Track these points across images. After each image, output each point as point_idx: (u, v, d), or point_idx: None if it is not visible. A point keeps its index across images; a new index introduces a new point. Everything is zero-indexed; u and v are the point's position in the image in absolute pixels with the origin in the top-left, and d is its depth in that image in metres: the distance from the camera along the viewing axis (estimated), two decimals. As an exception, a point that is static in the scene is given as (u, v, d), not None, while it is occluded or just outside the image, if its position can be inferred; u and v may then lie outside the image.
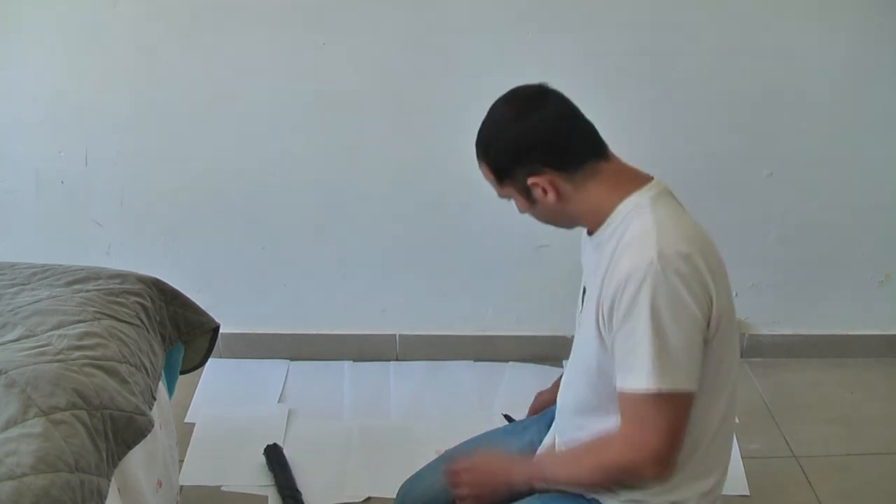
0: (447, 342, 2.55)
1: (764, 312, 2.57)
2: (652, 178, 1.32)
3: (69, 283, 1.64)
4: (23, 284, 1.64)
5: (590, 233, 1.33)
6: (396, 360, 2.58)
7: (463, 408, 2.37)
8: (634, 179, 1.31)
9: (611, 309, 1.21)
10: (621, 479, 1.28)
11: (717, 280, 1.21)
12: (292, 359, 2.56)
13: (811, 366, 2.57)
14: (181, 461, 2.07)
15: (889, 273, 2.52)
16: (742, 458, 2.16)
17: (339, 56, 2.19)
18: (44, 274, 1.69)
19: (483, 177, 1.36)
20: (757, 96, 2.27)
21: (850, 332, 2.60)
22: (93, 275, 1.69)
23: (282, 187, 2.36)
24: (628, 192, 1.27)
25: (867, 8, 2.17)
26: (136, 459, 1.40)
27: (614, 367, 1.22)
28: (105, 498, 1.23)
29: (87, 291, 1.61)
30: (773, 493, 2.06)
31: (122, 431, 1.34)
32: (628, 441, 1.22)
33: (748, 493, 2.05)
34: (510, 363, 2.56)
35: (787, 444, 2.24)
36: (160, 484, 1.55)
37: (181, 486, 1.93)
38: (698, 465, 1.30)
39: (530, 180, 1.27)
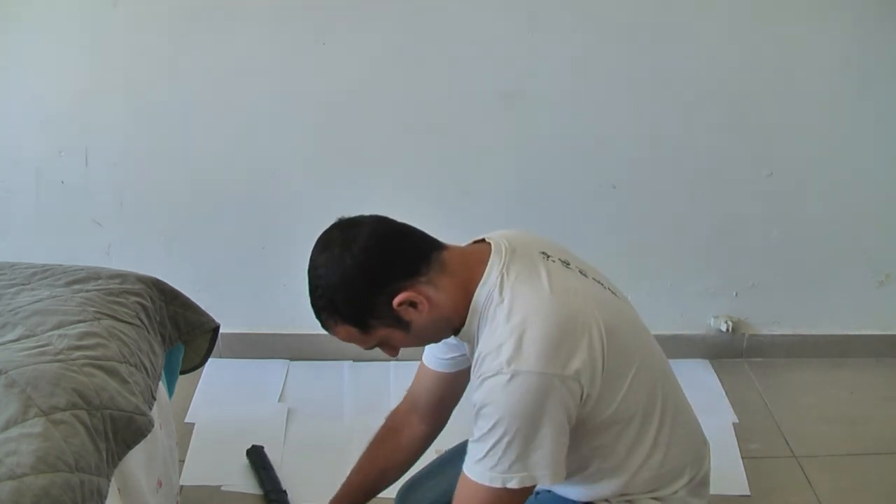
0: (447, 342, 2.54)
1: (764, 312, 2.57)
2: (489, 250, 1.27)
3: (69, 283, 1.64)
4: (23, 284, 1.64)
5: (455, 332, 1.28)
6: (396, 359, 2.58)
7: (462, 408, 2.36)
8: (474, 259, 1.26)
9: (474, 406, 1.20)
10: None
11: (578, 352, 1.16)
12: (292, 359, 2.56)
13: (811, 366, 2.57)
14: (181, 461, 2.07)
15: (889, 273, 2.52)
16: (742, 458, 2.16)
17: (339, 56, 2.19)
18: (44, 274, 1.69)
19: (346, 340, 1.28)
20: (757, 96, 2.27)
21: (850, 332, 2.60)
22: (93, 275, 1.69)
23: (282, 187, 2.36)
24: (475, 278, 1.23)
25: (867, 8, 2.17)
26: (136, 459, 1.40)
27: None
28: (105, 498, 1.23)
29: (87, 291, 1.61)
30: (773, 493, 2.06)
31: (122, 431, 1.34)
32: None
33: (748, 493, 2.05)
34: (510, 363, 2.56)
35: (787, 444, 2.24)
36: (160, 484, 1.55)
37: (181, 486, 1.93)
38: (657, 476, 1.31)
39: (397, 301, 1.19)
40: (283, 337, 2.56)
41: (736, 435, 2.25)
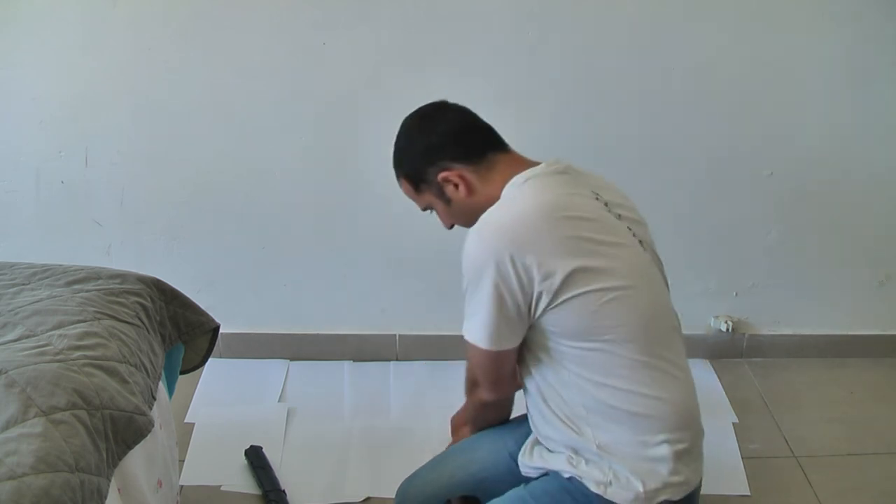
0: (447, 342, 2.54)
1: (764, 312, 2.57)
2: (541, 165, 1.40)
3: (69, 283, 1.64)
4: (23, 284, 1.64)
5: None
6: (396, 360, 2.58)
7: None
8: (526, 167, 1.39)
9: None
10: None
11: (542, 250, 1.26)
12: (292, 359, 2.56)
13: (811, 366, 2.57)
14: (181, 461, 2.07)
15: (889, 273, 2.52)
16: (742, 458, 2.16)
17: (339, 56, 2.19)
18: (44, 274, 1.69)
19: (406, 195, 1.49)
20: (757, 96, 2.27)
21: (850, 332, 2.60)
22: (93, 275, 1.69)
23: (282, 187, 2.36)
24: (514, 177, 1.37)
25: (867, 8, 2.17)
26: (136, 459, 1.40)
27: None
28: (105, 498, 1.23)
29: (87, 291, 1.61)
30: (773, 493, 2.06)
31: (122, 431, 1.34)
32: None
33: (748, 493, 2.05)
34: (510, 363, 2.56)
35: (787, 444, 2.24)
36: (160, 484, 1.55)
37: (181, 486, 1.93)
38: (633, 415, 1.33)
39: (441, 175, 1.39)
40: (283, 337, 2.56)
41: (736, 435, 2.25)
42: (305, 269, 2.48)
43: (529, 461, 1.46)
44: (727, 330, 2.53)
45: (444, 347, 2.54)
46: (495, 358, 1.36)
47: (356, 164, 2.33)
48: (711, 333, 2.58)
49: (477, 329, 1.33)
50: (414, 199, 1.49)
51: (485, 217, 1.32)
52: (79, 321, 1.48)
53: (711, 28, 2.18)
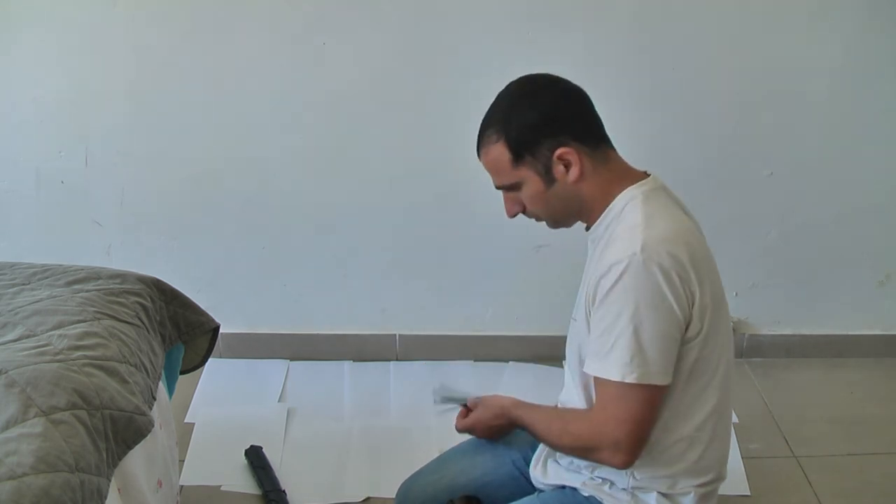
0: (447, 342, 2.55)
1: (764, 312, 2.57)
2: (648, 175, 1.33)
3: (69, 283, 1.64)
4: (23, 284, 1.64)
5: (588, 227, 1.34)
6: (396, 360, 2.58)
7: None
8: (633, 174, 1.33)
9: (594, 294, 1.22)
10: (581, 454, 1.30)
11: (701, 276, 1.22)
12: (292, 359, 2.56)
13: (811, 366, 2.57)
14: (181, 461, 2.07)
15: (889, 273, 2.52)
16: (742, 458, 2.16)
17: (339, 56, 2.19)
18: (44, 274, 1.69)
19: (485, 165, 1.32)
20: (757, 96, 2.27)
21: (850, 332, 2.60)
22: (93, 275, 1.69)
23: (282, 187, 2.36)
24: (626, 186, 1.29)
25: (866, 8, 2.17)
26: (136, 459, 1.40)
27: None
28: (105, 498, 1.23)
29: (87, 291, 1.61)
30: (773, 493, 2.06)
31: (122, 431, 1.34)
32: (593, 422, 1.25)
33: (748, 493, 2.05)
34: (510, 363, 2.56)
35: (787, 444, 2.24)
36: (160, 484, 1.55)
37: (181, 486, 1.93)
38: (689, 459, 1.30)
39: (559, 151, 1.25)
40: (283, 337, 2.56)
41: (736, 435, 2.24)
42: (305, 269, 2.48)
43: (543, 477, 1.45)
44: (727, 330, 2.53)
45: (444, 347, 2.54)
46: (651, 398, 1.19)
47: (356, 164, 2.33)
48: (711, 333, 2.58)
49: (632, 362, 1.16)
50: (498, 172, 1.31)
51: (637, 234, 1.19)
52: (79, 321, 1.48)
53: (712, 28, 2.18)
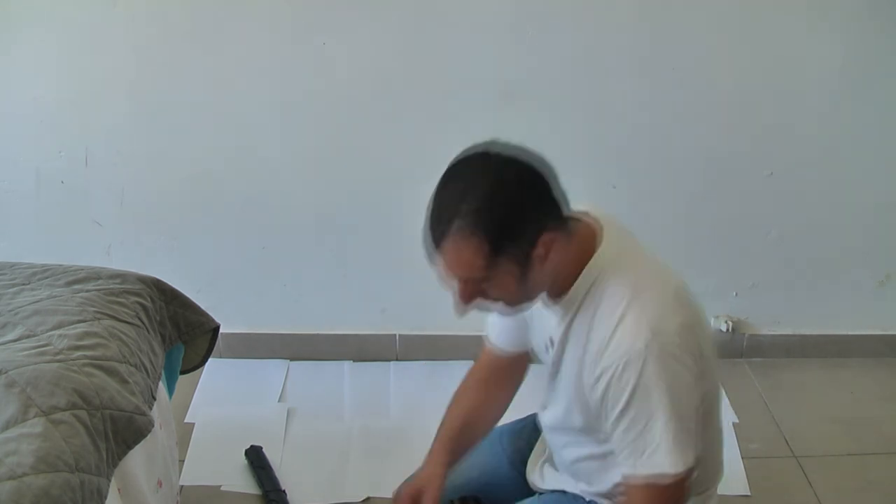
0: (447, 342, 2.54)
1: (764, 312, 2.57)
2: (600, 224, 1.23)
3: (69, 283, 1.64)
4: (23, 284, 1.64)
5: (551, 297, 1.24)
6: (396, 360, 2.58)
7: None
8: (589, 229, 1.22)
9: (604, 394, 1.16)
10: None
11: (702, 332, 1.20)
12: (292, 359, 2.56)
13: (811, 366, 2.57)
14: (181, 461, 2.07)
15: (889, 273, 2.52)
16: (742, 458, 2.16)
17: (339, 56, 2.19)
18: (44, 274, 1.69)
19: (444, 260, 1.13)
20: (757, 96, 2.27)
21: (850, 332, 2.60)
22: (93, 275, 1.69)
23: (282, 187, 2.36)
24: (589, 248, 1.20)
25: (866, 8, 2.17)
26: (136, 459, 1.40)
27: (615, 448, 1.19)
28: (105, 498, 1.23)
29: (87, 291, 1.61)
30: (773, 493, 2.06)
31: (122, 431, 1.34)
32: None
33: (748, 493, 2.05)
34: (510, 363, 2.56)
35: (787, 444, 2.24)
36: (160, 484, 1.55)
37: (181, 486, 1.93)
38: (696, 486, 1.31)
39: (544, 238, 1.12)
40: (283, 337, 2.56)
41: (736, 435, 2.25)
42: (305, 269, 2.48)
43: (540, 482, 1.45)
44: (727, 330, 2.53)
45: (444, 347, 2.54)
46: (684, 482, 1.16)
47: (356, 164, 2.33)
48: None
49: (676, 455, 1.13)
50: (466, 268, 1.13)
51: (638, 324, 1.12)
52: (79, 321, 1.48)
53: (712, 28, 2.18)
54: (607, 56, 2.21)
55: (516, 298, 1.20)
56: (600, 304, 1.17)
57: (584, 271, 1.19)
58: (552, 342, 1.29)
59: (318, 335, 2.56)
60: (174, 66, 2.20)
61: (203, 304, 1.85)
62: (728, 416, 2.33)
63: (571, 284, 1.20)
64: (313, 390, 2.44)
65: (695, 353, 1.15)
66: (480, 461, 1.55)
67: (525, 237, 1.11)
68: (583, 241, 1.20)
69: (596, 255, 1.19)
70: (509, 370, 1.50)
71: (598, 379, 1.16)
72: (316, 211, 2.40)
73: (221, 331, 1.90)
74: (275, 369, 2.52)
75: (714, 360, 1.26)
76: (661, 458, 1.13)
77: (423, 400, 2.40)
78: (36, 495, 1.11)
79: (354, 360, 2.56)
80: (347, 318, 2.55)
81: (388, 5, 2.14)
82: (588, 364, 1.18)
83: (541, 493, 1.45)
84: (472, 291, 1.17)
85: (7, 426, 1.21)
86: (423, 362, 2.56)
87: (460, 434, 1.46)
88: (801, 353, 2.60)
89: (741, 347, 2.60)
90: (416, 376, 2.51)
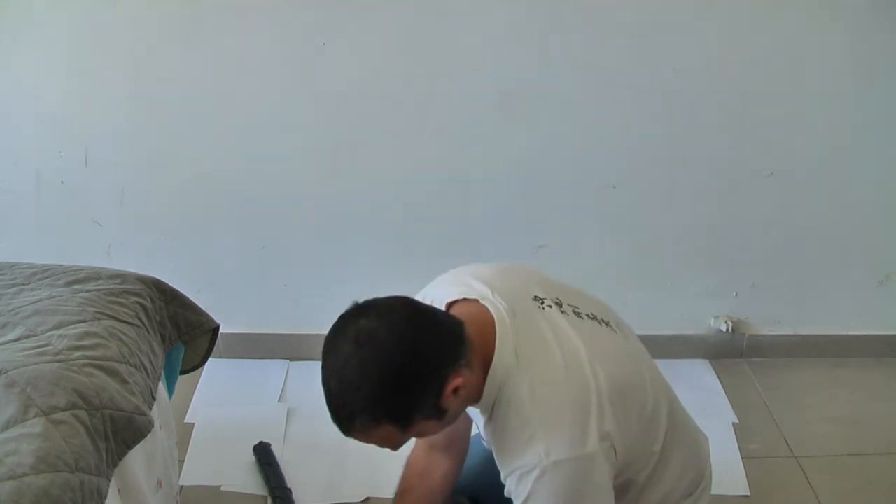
0: (447, 342, 2.54)
1: (764, 312, 2.57)
2: (490, 316, 1.23)
3: (69, 284, 1.64)
4: (23, 284, 1.64)
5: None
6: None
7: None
8: (484, 329, 1.21)
9: (510, 493, 1.22)
10: None
11: (614, 410, 1.20)
12: (292, 359, 2.56)
13: (811, 366, 2.57)
14: (181, 461, 2.07)
15: (889, 273, 2.52)
16: (742, 458, 2.16)
17: (339, 56, 2.19)
18: (44, 274, 1.69)
19: (360, 440, 1.19)
20: (757, 96, 2.27)
21: (850, 332, 2.60)
22: (93, 275, 1.69)
23: (282, 187, 2.36)
24: (489, 352, 1.20)
25: (867, 7, 2.17)
26: (136, 459, 1.40)
27: None
28: (105, 498, 1.23)
29: (87, 291, 1.61)
30: (773, 493, 2.06)
31: (122, 431, 1.34)
32: None
33: (748, 493, 2.05)
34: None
35: (787, 444, 2.24)
36: (160, 484, 1.55)
37: (181, 486, 1.93)
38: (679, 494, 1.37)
39: (450, 387, 1.13)
40: (283, 337, 2.56)
41: (736, 435, 2.25)
42: (305, 269, 2.48)
43: None
44: (727, 330, 2.53)
45: (444, 347, 2.54)
46: None
47: (356, 164, 2.33)
48: (711, 333, 2.58)
49: None
50: (392, 444, 1.19)
51: (540, 447, 1.15)
52: (79, 321, 1.48)
53: (712, 28, 2.18)
54: (607, 56, 2.20)
55: (441, 430, 1.24)
56: (507, 413, 1.20)
57: (487, 381, 1.20)
58: (482, 438, 1.34)
59: (318, 335, 2.53)
60: (174, 66, 2.20)
61: (203, 304, 1.85)
62: (728, 416, 2.33)
63: (482, 392, 1.22)
64: (313, 390, 2.39)
65: (601, 450, 1.17)
66: (480, 462, 1.55)
67: (429, 399, 1.13)
68: (483, 347, 1.20)
69: (493, 366, 1.20)
70: (449, 444, 1.52)
71: (505, 480, 1.23)
72: (316, 211, 2.40)
73: (221, 331, 1.90)
74: (275, 369, 2.52)
75: (648, 396, 1.30)
76: None
77: (423, 400, 2.40)
78: (36, 495, 1.11)
79: (354, 361, 2.55)
80: (347, 318, 2.55)
81: (389, 5, 2.14)
82: (501, 465, 1.24)
83: None
84: (396, 444, 1.21)
85: (7, 426, 1.21)
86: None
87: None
88: (801, 353, 2.60)
89: (741, 347, 2.60)
90: (416, 376, 2.51)
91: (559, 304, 1.29)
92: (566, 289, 1.35)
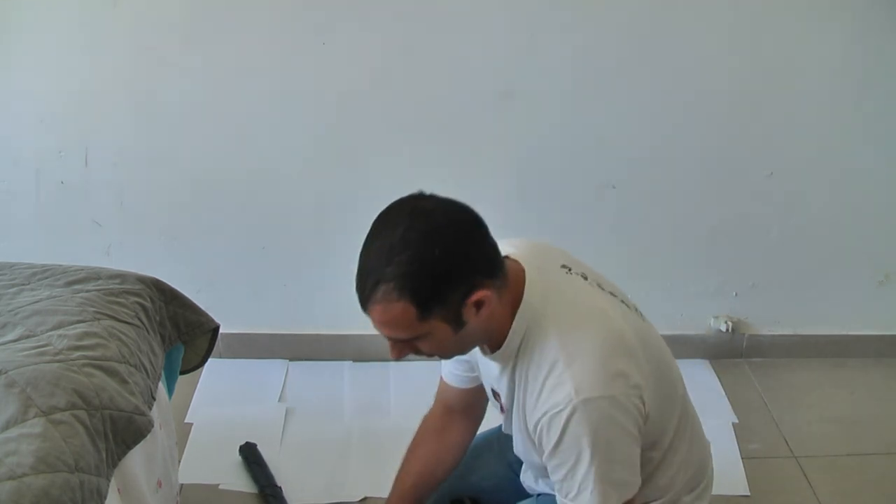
0: (447, 342, 2.54)
1: (764, 312, 2.57)
2: (522, 268, 1.22)
3: (69, 284, 1.64)
4: (23, 284, 1.64)
5: (491, 349, 1.25)
6: (396, 361, 2.58)
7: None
8: (516, 278, 1.21)
9: (539, 441, 1.20)
10: None
11: (640, 365, 1.20)
12: (292, 359, 2.56)
13: (811, 366, 2.57)
14: (180, 461, 2.07)
15: (889, 273, 2.52)
16: (742, 458, 2.16)
17: (339, 56, 2.19)
18: (44, 274, 1.69)
19: (376, 320, 1.18)
20: (757, 96, 2.27)
21: (850, 332, 2.60)
22: (93, 275, 1.69)
23: (282, 187, 2.36)
24: (518, 300, 1.20)
25: (867, 7, 2.17)
26: (136, 459, 1.40)
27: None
28: (105, 498, 1.23)
29: (87, 292, 1.61)
30: (773, 493, 2.06)
31: (121, 431, 1.34)
32: None
33: (748, 493, 2.05)
34: (510, 363, 2.56)
35: (787, 444, 2.24)
36: (160, 484, 1.55)
37: (181, 486, 1.93)
38: (678, 482, 1.36)
39: (475, 297, 1.11)
40: (283, 337, 2.56)
41: (736, 435, 2.25)
42: (305, 269, 2.48)
43: (534, 485, 1.46)
44: (727, 330, 2.53)
45: (444, 347, 2.54)
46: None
47: (356, 164, 2.33)
48: (711, 333, 2.58)
49: (605, 499, 1.17)
50: (397, 328, 1.16)
51: (569, 386, 1.14)
52: (78, 321, 1.48)
53: (711, 28, 2.18)
54: (607, 56, 2.20)
55: (449, 352, 1.24)
56: (532, 359, 1.19)
57: (514, 324, 1.19)
58: (495, 394, 1.34)
59: (317, 335, 2.56)
60: (174, 66, 2.20)
61: (203, 304, 1.85)
62: (728, 416, 2.34)
63: (506, 336, 1.21)
64: (313, 390, 2.44)
65: (630, 395, 1.16)
66: (481, 464, 1.56)
67: (454, 297, 1.11)
68: (512, 291, 1.19)
69: (521, 307, 1.19)
70: (466, 409, 1.52)
71: (534, 428, 1.19)
72: (316, 211, 2.40)
73: (221, 331, 1.90)
74: (274, 369, 2.52)
75: (669, 372, 1.30)
76: (584, 500, 1.17)
77: (422, 400, 2.37)
78: (36, 495, 1.11)
79: (354, 361, 2.56)
80: (347, 318, 2.54)
81: (389, 5, 2.14)
82: (528, 413, 1.22)
83: (538, 495, 1.45)
84: (403, 347, 1.21)
85: (7, 426, 1.21)
86: (424, 362, 2.55)
87: (414, 490, 1.51)
88: (801, 353, 2.60)
89: (741, 347, 2.60)
90: (416, 376, 2.50)
91: (585, 277, 1.29)
92: (593, 270, 1.35)
